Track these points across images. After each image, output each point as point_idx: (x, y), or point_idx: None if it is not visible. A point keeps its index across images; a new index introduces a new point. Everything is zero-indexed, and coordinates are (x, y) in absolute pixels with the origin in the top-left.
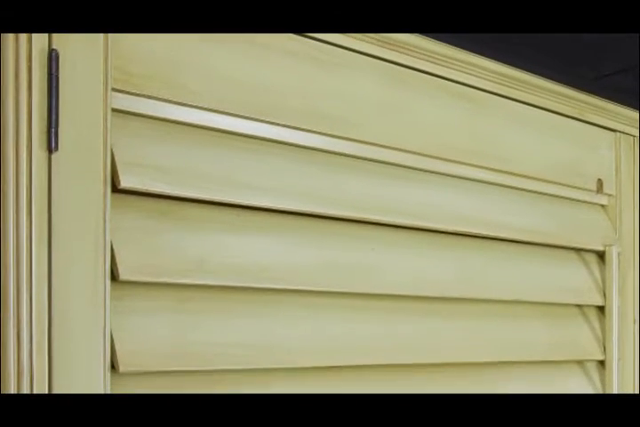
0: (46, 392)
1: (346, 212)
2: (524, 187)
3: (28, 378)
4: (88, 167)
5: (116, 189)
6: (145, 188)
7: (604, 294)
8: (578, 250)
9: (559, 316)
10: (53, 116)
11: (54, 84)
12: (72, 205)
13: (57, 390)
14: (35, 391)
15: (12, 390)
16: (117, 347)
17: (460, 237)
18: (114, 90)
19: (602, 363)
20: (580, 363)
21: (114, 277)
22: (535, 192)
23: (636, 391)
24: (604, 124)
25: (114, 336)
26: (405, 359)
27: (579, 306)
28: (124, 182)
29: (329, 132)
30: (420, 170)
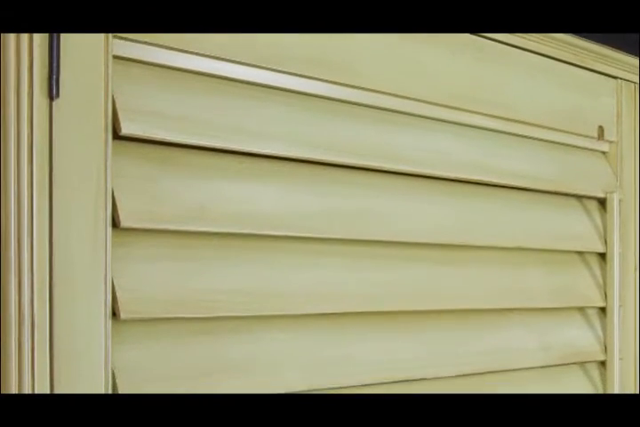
0: (47, 341)
1: (348, 159)
2: (526, 134)
3: (29, 325)
4: (89, 114)
5: (117, 135)
6: (146, 135)
7: (605, 241)
8: (579, 197)
9: (560, 263)
10: (54, 64)
11: None
12: (73, 152)
13: (58, 338)
14: (36, 339)
15: (13, 339)
16: (118, 294)
17: (461, 184)
18: (115, 37)
19: (603, 310)
20: (580, 310)
21: (115, 224)
22: (536, 139)
23: (637, 336)
24: (606, 71)
25: (115, 283)
26: (406, 306)
27: (580, 253)
28: (125, 129)
29: (332, 80)
30: (423, 117)
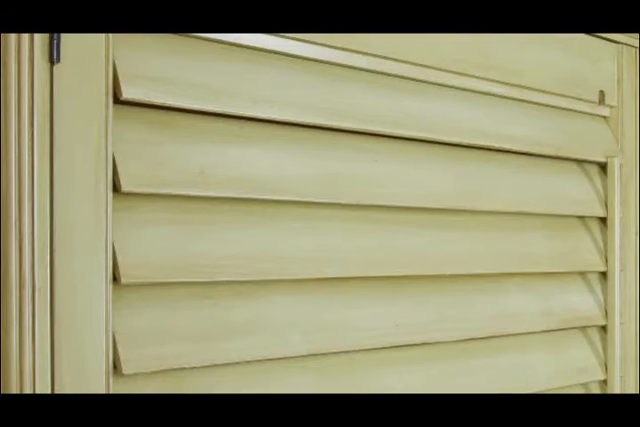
0: (48, 305)
1: (348, 123)
2: (527, 98)
3: (30, 289)
4: (90, 79)
5: (117, 100)
6: (147, 99)
7: (606, 206)
8: (580, 161)
9: (561, 227)
10: None
11: None
12: (74, 116)
13: (59, 302)
14: (37, 303)
15: (14, 303)
16: (119, 259)
17: (462, 149)
18: None
19: (604, 274)
20: (582, 275)
21: (115, 188)
22: (537, 104)
23: (638, 300)
24: (606, 37)
25: (116, 248)
26: (407, 271)
27: (580, 217)
28: (126, 94)
29: (335, 45)
30: (424, 82)
